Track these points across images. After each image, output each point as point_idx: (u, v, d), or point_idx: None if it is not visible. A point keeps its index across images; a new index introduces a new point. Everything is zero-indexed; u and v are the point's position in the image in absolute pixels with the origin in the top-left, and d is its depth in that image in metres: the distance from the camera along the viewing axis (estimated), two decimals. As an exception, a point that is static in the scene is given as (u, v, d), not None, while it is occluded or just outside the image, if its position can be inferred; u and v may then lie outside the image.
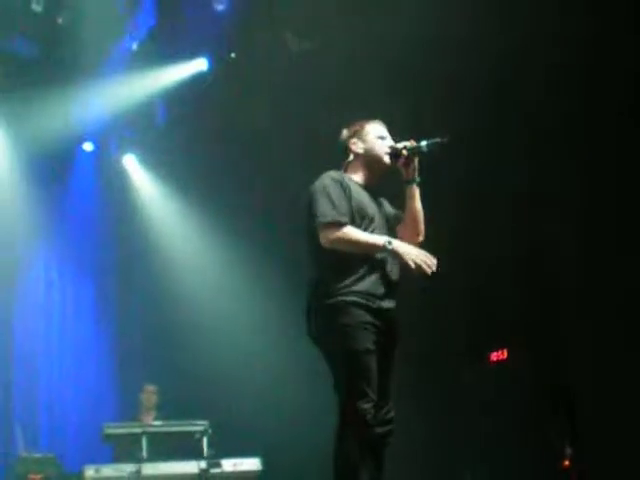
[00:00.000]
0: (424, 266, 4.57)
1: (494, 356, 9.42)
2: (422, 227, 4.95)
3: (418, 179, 4.91)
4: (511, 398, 8.91)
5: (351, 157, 5.02)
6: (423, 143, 4.82)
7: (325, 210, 4.65)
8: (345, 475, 4.48)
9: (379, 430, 4.62)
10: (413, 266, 4.56)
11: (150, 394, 9.46)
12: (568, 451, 8.15)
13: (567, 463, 8.11)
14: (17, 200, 10.26)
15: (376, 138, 4.97)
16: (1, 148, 10.36)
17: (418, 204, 4.92)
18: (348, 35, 8.89)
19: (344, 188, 4.77)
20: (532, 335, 8.70)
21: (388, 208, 5.06)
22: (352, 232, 4.63)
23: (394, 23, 8.53)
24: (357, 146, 5.00)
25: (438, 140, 4.82)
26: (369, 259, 4.67)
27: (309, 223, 4.75)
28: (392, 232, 4.89)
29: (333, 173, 4.86)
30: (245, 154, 10.37)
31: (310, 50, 9.46)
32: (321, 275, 4.72)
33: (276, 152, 9.95)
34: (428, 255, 4.63)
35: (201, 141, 10.48)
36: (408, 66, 8.77)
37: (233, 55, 9.90)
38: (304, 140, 9.35)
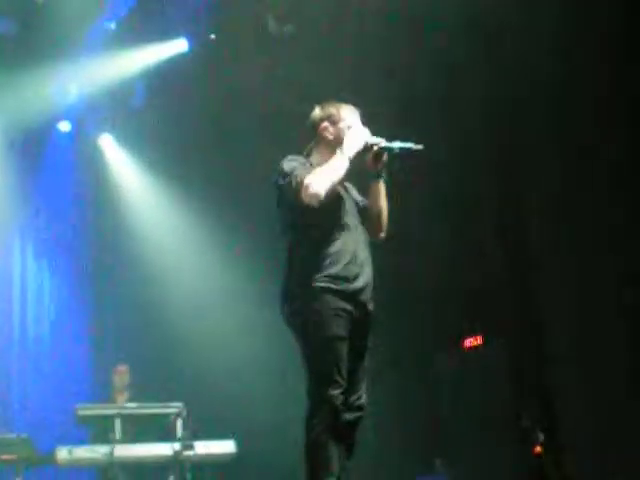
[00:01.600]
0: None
1: (468, 342, 9.47)
2: (385, 223, 4.92)
3: (384, 176, 4.85)
4: (485, 384, 8.97)
5: (320, 140, 4.89)
6: (396, 145, 4.71)
7: (291, 178, 4.58)
8: (316, 461, 4.47)
9: (348, 416, 4.61)
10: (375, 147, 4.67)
11: (122, 374, 9.41)
12: (540, 437, 8.20)
13: (539, 449, 8.16)
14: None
15: (346, 127, 4.81)
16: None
17: (383, 201, 4.88)
18: (327, 18, 8.90)
19: (302, 163, 4.73)
20: (507, 320, 8.76)
21: (355, 194, 4.99)
22: (315, 174, 4.56)
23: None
24: (327, 131, 4.86)
25: (411, 146, 4.72)
26: (339, 240, 4.63)
27: (281, 201, 4.70)
28: (360, 218, 4.86)
29: (289, 156, 4.78)
30: (222, 135, 10.36)
31: (290, 33, 9.45)
32: (294, 259, 4.69)
33: (253, 133, 9.95)
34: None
35: (178, 122, 10.44)
36: (390, 48, 8.79)
37: (213, 36, 9.87)
38: (281, 122, 9.33)
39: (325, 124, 4.87)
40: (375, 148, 4.73)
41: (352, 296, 4.60)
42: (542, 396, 8.48)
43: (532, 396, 8.46)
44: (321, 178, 4.53)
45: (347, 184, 4.94)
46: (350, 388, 4.60)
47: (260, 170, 10.00)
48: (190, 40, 10.17)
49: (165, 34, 10.13)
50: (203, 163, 10.65)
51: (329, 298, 4.53)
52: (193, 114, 10.37)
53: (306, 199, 4.51)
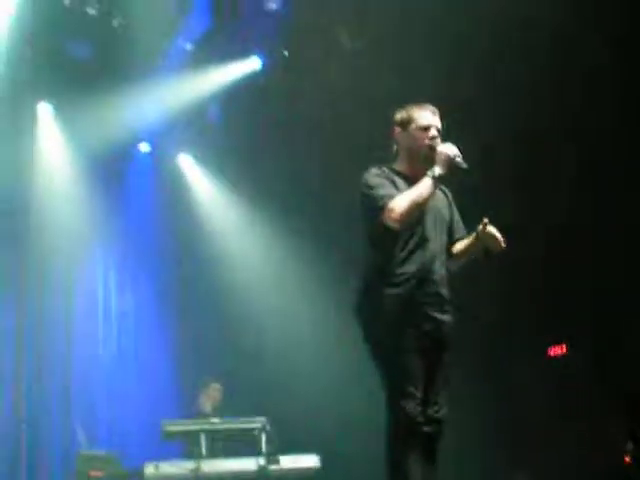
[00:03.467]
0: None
1: (553, 351, 9.37)
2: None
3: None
4: (570, 392, 8.86)
5: (396, 147, 4.91)
6: (464, 165, 4.60)
7: (375, 197, 4.61)
8: (396, 473, 4.47)
9: (427, 429, 4.59)
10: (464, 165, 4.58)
11: (215, 391, 9.50)
12: (630, 447, 8.07)
13: (628, 459, 8.03)
14: (76, 202, 10.35)
15: (419, 129, 4.79)
16: (59, 151, 10.45)
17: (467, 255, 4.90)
18: (400, 33, 8.90)
19: (386, 177, 4.73)
20: (593, 330, 8.64)
21: (447, 208, 4.95)
22: (400, 199, 4.55)
23: (448, 21, 8.54)
24: (399, 136, 4.87)
25: (464, 165, 4.62)
26: (413, 255, 4.62)
27: (364, 219, 4.73)
28: (444, 231, 4.85)
29: (373, 169, 4.79)
30: (299, 152, 10.40)
31: (363, 48, 9.48)
32: (368, 274, 4.72)
33: (331, 149, 9.98)
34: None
35: (255, 139, 10.52)
36: (461, 66, 8.77)
37: (286, 53, 9.93)
38: (359, 137, 9.36)
39: (397, 130, 4.88)
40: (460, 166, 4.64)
41: (421, 309, 4.60)
42: (630, 406, 8.35)
43: (619, 406, 8.34)
44: (405, 204, 4.54)
45: (443, 194, 4.95)
46: (428, 400, 4.59)
47: (337, 182, 10.12)
48: (263, 57, 10.26)
49: (239, 53, 10.23)
50: (280, 178, 10.70)
51: (396, 311, 4.54)
52: (268, 130, 10.43)
53: (388, 222, 4.55)
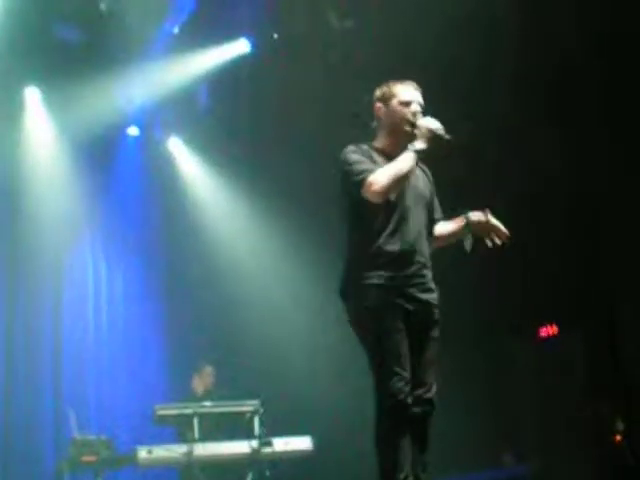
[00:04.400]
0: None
1: (544, 331, 9.40)
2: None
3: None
4: (562, 374, 8.89)
5: (377, 122, 4.84)
6: (447, 137, 4.56)
7: (354, 172, 4.56)
8: (385, 455, 4.47)
9: (416, 410, 4.55)
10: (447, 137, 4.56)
11: (208, 375, 9.50)
12: (620, 426, 8.11)
13: (619, 438, 8.07)
14: (64, 186, 10.32)
15: (399, 104, 4.73)
16: (47, 134, 10.39)
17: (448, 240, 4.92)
18: (388, 12, 8.88)
19: (364, 153, 4.68)
20: (584, 309, 8.67)
21: (426, 185, 4.88)
22: (381, 172, 4.51)
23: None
24: (380, 111, 4.79)
25: (447, 137, 4.58)
26: (394, 234, 4.57)
27: (343, 198, 4.68)
28: (425, 210, 4.78)
29: (350, 146, 4.72)
30: (288, 134, 10.38)
31: (352, 28, 9.46)
32: (350, 256, 4.69)
33: (320, 131, 9.96)
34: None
35: (243, 122, 10.50)
36: (449, 46, 8.76)
37: (275, 36, 9.90)
38: (350, 119, 9.35)
39: (378, 105, 4.82)
40: (444, 139, 4.58)
41: (403, 289, 4.55)
42: (621, 385, 8.38)
43: (610, 385, 8.37)
44: (385, 176, 4.49)
45: (421, 170, 4.87)
46: (416, 381, 4.56)
47: (327, 166, 10.11)
48: (252, 40, 10.23)
49: (227, 36, 10.19)
50: (269, 161, 10.68)
51: (379, 293, 4.51)
52: (258, 114, 10.41)
53: (369, 196, 4.50)
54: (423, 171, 4.91)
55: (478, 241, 4.84)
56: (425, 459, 4.62)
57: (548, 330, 9.37)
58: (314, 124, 10.04)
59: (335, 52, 9.56)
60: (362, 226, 4.63)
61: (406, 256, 4.58)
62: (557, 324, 9.20)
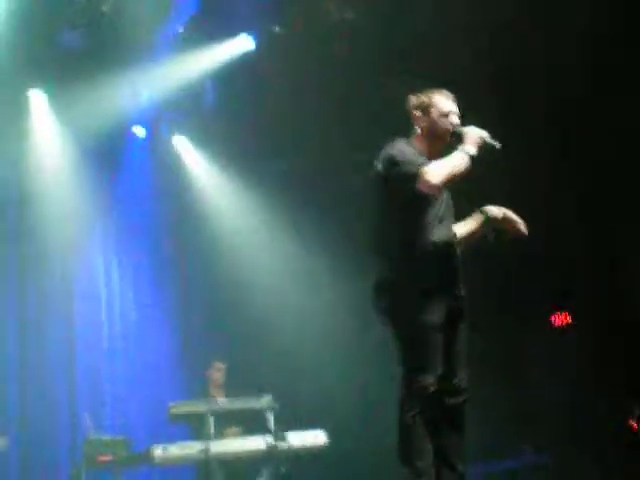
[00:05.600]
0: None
1: (557, 320, 9.37)
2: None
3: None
4: (576, 361, 8.86)
5: (416, 129, 4.98)
6: (497, 145, 4.74)
7: (409, 163, 4.66)
8: (407, 445, 4.53)
9: (453, 401, 4.70)
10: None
11: (219, 371, 9.49)
12: (637, 412, 8.07)
13: (635, 425, 8.03)
14: (73, 188, 10.32)
15: (440, 115, 4.89)
16: (53, 137, 10.40)
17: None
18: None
19: (414, 147, 4.84)
20: (598, 297, 8.63)
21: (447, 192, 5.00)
22: (437, 165, 4.63)
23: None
24: (420, 120, 4.94)
25: (497, 145, 4.76)
26: (432, 234, 4.70)
27: (390, 190, 4.75)
28: (451, 213, 4.94)
29: (401, 140, 4.88)
30: (295, 129, 10.37)
31: (352, 19, 9.46)
32: (387, 250, 4.77)
33: (325, 126, 9.96)
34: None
35: (251, 119, 10.48)
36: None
37: (277, 29, 9.89)
38: (354, 112, 9.36)
39: (418, 114, 4.95)
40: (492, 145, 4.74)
41: (449, 287, 4.72)
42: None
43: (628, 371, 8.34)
44: (443, 169, 4.60)
45: None
46: (450, 373, 4.67)
47: (334, 162, 10.11)
48: (255, 36, 10.22)
49: (230, 33, 10.19)
50: (276, 158, 10.68)
51: (426, 286, 4.61)
52: (263, 109, 10.39)
53: (424, 187, 4.58)
54: None
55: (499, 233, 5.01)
56: (463, 447, 4.76)
57: (562, 319, 9.35)
58: (321, 119, 10.03)
59: (340, 44, 9.54)
60: (406, 219, 4.73)
61: (450, 247, 4.76)
62: (570, 313, 9.19)
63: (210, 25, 9.98)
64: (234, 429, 8.77)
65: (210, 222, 11.10)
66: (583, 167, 8.82)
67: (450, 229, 4.83)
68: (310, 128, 10.21)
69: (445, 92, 4.97)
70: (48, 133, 10.37)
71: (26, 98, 10.21)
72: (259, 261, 10.80)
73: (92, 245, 10.74)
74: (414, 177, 4.58)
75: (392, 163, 4.71)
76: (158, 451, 7.68)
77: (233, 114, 10.55)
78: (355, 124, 9.67)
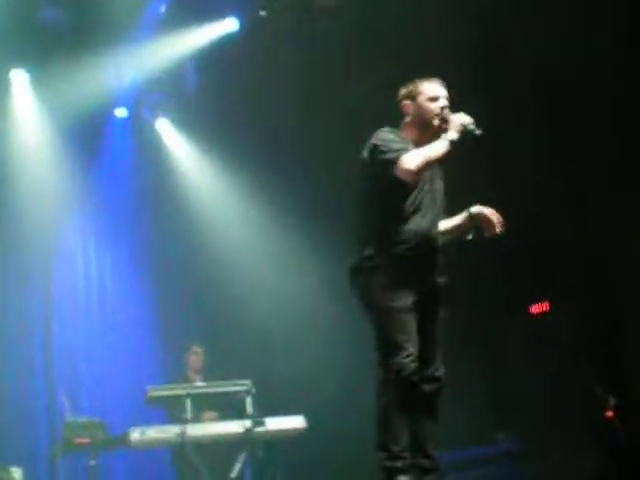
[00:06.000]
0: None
1: (535, 308, 9.37)
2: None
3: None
4: (554, 349, 8.87)
5: (406, 118, 5.00)
6: (478, 132, 4.76)
7: (389, 149, 4.71)
8: (385, 427, 4.56)
9: (428, 388, 4.73)
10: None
11: (196, 355, 9.49)
12: (612, 401, 8.09)
13: (611, 414, 8.05)
14: (52, 168, 10.30)
15: (427, 100, 4.91)
16: (34, 117, 10.37)
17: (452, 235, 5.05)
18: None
19: (399, 136, 4.87)
20: (576, 285, 8.63)
21: (441, 179, 5.04)
22: (415, 152, 4.70)
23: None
24: (409, 108, 4.97)
25: (478, 132, 4.77)
26: (411, 219, 4.73)
27: (370, 176, 4.81)
28: (439, 201, 4.96)
29: (386, 128, 4.92)
30: (277, 112, 10.33)
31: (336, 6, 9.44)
32: (371, 233, 4.80)
33: (306, 111, 9.95)
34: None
35: (232, 101, 10.44)
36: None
37: (263, 13, 9.84)
38: (345, 98, 9.36)
39: (406, 102, 4.99)
40: (460, 128, 4.76)
41: (419, 271, 4.71)
42: (613, 360, 8.37)
43: (603, 361, 8.35)
44: (419, 156, 4.67)
45: (437, 170, 5.02)
46: (426, 360, 4.70)
47: (314, 147, 10.09)
48: (240, 18, 10.17)
49: (215, 14, 10.14)
50: (259, 140, 10.63)
51: (394, 270, 4.64)
52: (246, 93, 10.35)
53: (401, 174, 4.65)
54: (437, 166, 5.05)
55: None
56: (435, 435, 4.77)
57: (539, 307, 9.35)
58: (301, 104, 10.01)
59: (323, 27, 9.51)
60: (386, 205, 4.78)
61: (427, 236, 4.77)
62: (549, 300, 9.18)
63: (193, 6, 9.94)
64: (210, 414, 8.79)
65: (190, 203, 11.10)
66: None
67: (431, 219, 4.83)
68: (293, 111, 10.19)
69: (434, 79, 5.00)
70: (29, 113, 10.34)
71: (7, 76, 10.13)
72: (239, 242, 10.79)
73: (71, 225, 10.70)
74: (392, 163, 4.65)
75: (374, 151, 4.77)
76: (135, 434, 7.66)
77: (215, 96, 10.50)
78: (341, 107, 9.66)
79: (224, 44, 10.15)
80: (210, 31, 10.18)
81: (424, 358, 4.66)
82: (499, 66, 8.98)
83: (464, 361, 9.12)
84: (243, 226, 10.85)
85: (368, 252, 4.73)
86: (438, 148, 4.70)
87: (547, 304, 9.25)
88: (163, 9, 9.96)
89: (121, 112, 11.05)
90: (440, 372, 4.79)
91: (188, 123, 11.16)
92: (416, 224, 4.74)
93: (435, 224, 4.88)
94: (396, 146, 4.73)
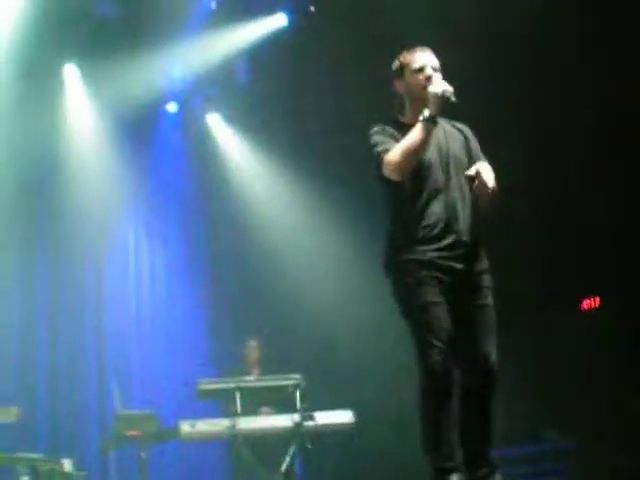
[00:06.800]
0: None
1: (586, 304, 9.31)
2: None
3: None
4: (603, 347, 8.80)
5: (402, 100, 4.82)
6: (453, 99, 4.47)
7: (374, 155, 4.58)
8: (426, 430, 4.51)
9: (473, 383, 4.55)
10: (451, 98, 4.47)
11: (252, 349, 9.51)
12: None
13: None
14: (105, 164, 10.36)
15: (413, 72, 4.69)
16: (86, 111, 10.43)
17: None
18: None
19: (385, 132, 4.67)
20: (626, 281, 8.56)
21: (463, 143, 4.79)
22: (395, 149, 4.51)
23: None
24: (399, 85, 4.79)
25: (453, 99, 4.49)
26: (422, 207, 4.57)
27: (376, 177, 4.69)
28: (463, 172, 4.68)
29: (374, 128, 4.73)
30: (329, 105, 10.32)
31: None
32: (388, 234, 4.73)
33: (360, 102, 9.91)
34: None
35: (283, 96, 10.46)
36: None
37: (312, 8, 9.86)
38: (387, 88, 9.29)
39: (395, 80, 4.80)
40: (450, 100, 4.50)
41: (437, 262, 4.53)
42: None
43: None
44: (397, 154, 4.49)
45: (455, 129, 4.83)
46: (471, 354, 4.57)
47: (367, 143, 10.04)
48: (289, 14, 10.21)
49: (264, 9, 10.19)
50: (310, 136, 10.63)
51: (413, 268, 4.52)
52: (297, 88, 10.36)
53: (388, 175, 4.54)
54: (460, 130, 4.87)
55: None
56: (488, 434, 4.61)
57: (590, 302, 9.29)
58: (354, 96, 9.97)
59: (375, 22, 9.49)
60: (395, 204, 4.68)
61: (440, 228, 4.56)
62: (600, 295, 9.11)
63: (244, 2, 9.99)
64: (267, 409, 8.80)
65: (242, 198, 11.11)
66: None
67: (438, 210, 4.57)
68: (345, 104, 10.17)
69: (421, 47, 4.77)
70: (81, 108, 10.40)
71: (60, 72, 10.22)
72: (291, 237, 10.78)
73: (123, 218, 10.76)
74: (379, 166, 4.56)
75: (368, 148, 4.68)
76: (186, 427, 7.72)
77: (266, 92, 10.52)
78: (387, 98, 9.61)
79: (275, 39, 10.18)
80: (260, 26, 10.23)
81: (469, 351, 4.55)
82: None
83: (512, 357, 9.11)
84: (296, 221, 10.82)
85: (389, 251, 4.68)
86: (414, 136, 4.47)
87: (598, 299, 9.17)
88: (214, 5, 10.03)
89: (172, 107, 11.10)
90: (489, 364, 4.56)
91: (238, 118, 11.18)
92: (428, 216, 4.55)
93: (457, 206, 4.60)
94: (379, 148, 4.58)
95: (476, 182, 4.57)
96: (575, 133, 8.80)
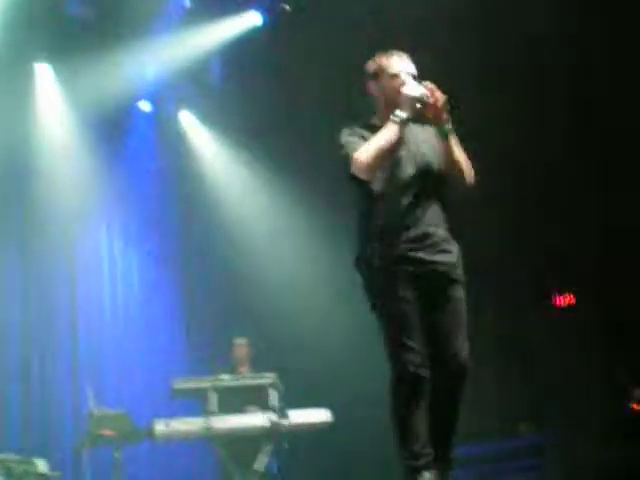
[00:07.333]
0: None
1: (559, 300, 9.37)
2: (466, 172, 4.66)
3: (449, 128, 4.58)
4: (577, 342, 8.86)
5: (376, 103, 4.82)
6: (430, 100, 4.47)
7: (344, 156, 4.58)
8: (398, 427, 4.49)
9: (445, 377, 4.53)
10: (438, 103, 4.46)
11: (240, 347, 9.48)
12: (638, 394, 8.08)
13: (636, 406, 8.04)
14: (77, 162, 10.31)
15: (390, 77, 4.68)
16: (58, 111, 10.37)
17: (456, 154, 4.64)
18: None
19: (355, 134, 4.67)
20: (601, 277, 8.62)
21: (439, 141, 4.71)
22: (364, 147, 4.50)
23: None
24: (374, 88, 4.79)
25: (429, 100, 4.48)
26: (393, 206, 4.56)
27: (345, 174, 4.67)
28: (434, 170, 4.68)
29: (345, 130, 4.72)
30: (302, 106, 10.34)
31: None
32: (357, 231, 4.73)
33: (332, 104, 9.93)
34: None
35: (256, 95, 10.45)
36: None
37: (287, 7, 9.85)
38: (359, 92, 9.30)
39: (371, 83, 4.80)
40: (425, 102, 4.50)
41: (406, 254, 4.52)
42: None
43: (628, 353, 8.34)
44: (366, 152, 4.48)
45: (423, 130, 4.78)
46: (441, 348, 4.54)
47: (336, 143, 10.04)
48: (264, 13, 10.19)
49: (238, 8, 10.17)
50: (283, 134, 10.64)
51: (381, 262, 4.52)
52: (270, 87, 10.36)
53: (357, 174, 4.52)
54: (430, 130, 4.81)
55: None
56: (453, 427, 4.60)
57: (565, 299, 9.35)
58: (327, 98, 9.99)
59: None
60: (365, 201, 4.66)
61: (410, 222, 4.55)
62: (574, 293, 9.17)
63: (218, 0, 9.97)
64: (252, 408, 8.76)
65: (215, 195, 11.09)
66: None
67: (406, 204, 4.55)
68: (317, 103, 10.18)
69: (395, 52, 4.76)
70: (53, 107, 10.33)
71: (31, 70, 10.16)
72: (265, 236, 10.81)
73: (95, 218, 10.71)
74: (348, 165, 4.54)
75: (338, 149, 4.67)
76: (160, 426, 7.71)
77: (240, 90, 10.51)
78: (360, 100, 9.61)
79: (249, 37, 10.17)
80: (234, 25, 10.21)
81: (439, 346, 4.52)
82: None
83: (488, 352, 9.16)
84: (271, 218, 10.85)
85: (358, 248, 4.67)
86: (385, 135, 4.48)
87: (572, 297, 9.23)
88: (188, 2, 9.99)
89: (145, 105, 11.06)
90: (460, 360, 4.54)
91: (212, 117, 11.16)
92: (395, 211, 4.54)
93: (425, 201, 4.59)
94: (348, 148, 4.58)
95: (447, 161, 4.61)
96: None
